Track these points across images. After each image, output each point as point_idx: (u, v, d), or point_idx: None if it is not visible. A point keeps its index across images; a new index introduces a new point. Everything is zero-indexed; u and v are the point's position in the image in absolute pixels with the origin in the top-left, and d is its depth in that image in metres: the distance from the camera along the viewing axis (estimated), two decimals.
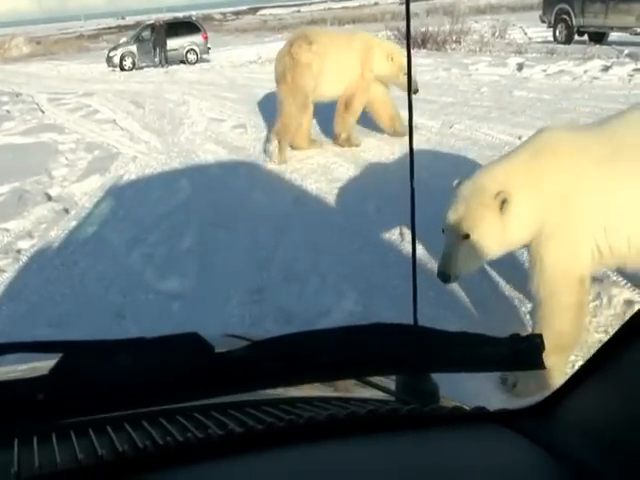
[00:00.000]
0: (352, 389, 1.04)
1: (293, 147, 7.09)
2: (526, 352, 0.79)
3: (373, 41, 7.38)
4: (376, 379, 1.03)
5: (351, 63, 6.94)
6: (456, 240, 2.48)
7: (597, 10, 14.74)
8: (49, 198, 6.34)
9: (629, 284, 3.45)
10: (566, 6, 15.34)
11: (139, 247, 4.84)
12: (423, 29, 17.56)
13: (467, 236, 2.47)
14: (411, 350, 0.80)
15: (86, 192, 6.43)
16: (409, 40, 1.61)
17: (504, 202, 2.43)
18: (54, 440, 0.74)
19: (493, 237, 2.46)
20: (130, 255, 4.71)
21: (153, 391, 0.68)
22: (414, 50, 16.99)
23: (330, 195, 5.64)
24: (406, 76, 1.52)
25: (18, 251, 4.96)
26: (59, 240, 5.17)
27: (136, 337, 0.69)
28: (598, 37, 15.07)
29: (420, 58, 15.13)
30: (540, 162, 2.49)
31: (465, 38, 17.35)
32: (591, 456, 0.68)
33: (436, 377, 0.94)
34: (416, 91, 6.85)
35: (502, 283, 3.66)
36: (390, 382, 0.99)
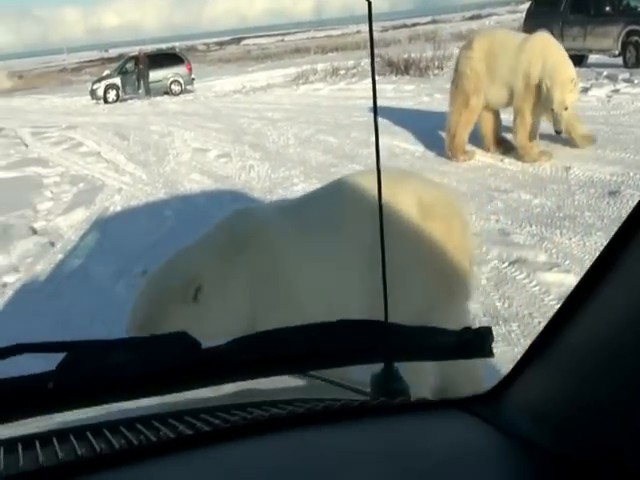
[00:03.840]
0: (327, 390, 1.12)
1: (448, 156, 7.01)
2: (476, 342, 0.90)
3: (549, 45, 6.71)
4: (350, 381, 1.14)
5: (515, 68, 6.54)
6: None
7: (576, 34, 15.08)
8: (34, 232, 6.31)
9: None
10: (545, 31, 15.67)
11: (125, 278, 4.81)
12: (405, 55, 17.82)
13: None
14: (375, 342, 0.90)
15: (72, 225, 6.41)
16: (373, 61, 1.62)
17: (198, 290, 2.20)
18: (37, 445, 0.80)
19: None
20: (115, 287, 4.69)
21: (146, 383, 0.78)
22: (397, 77, 17.23)
23: None
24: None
25: (4, 285, 4.92)
26: (45, 273, 5.14)
27: (131, 337, 0.79)
28: (577, 60, 15.39)
29: (403, 84, 15.35)
30: (236, 245, 2.31)
31: (447, 64, 17.61)
32: (538, 435, 0.74)
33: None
34: (559, 131, 6.43)
35: None
36: (365, 385, 1.06)
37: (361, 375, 1.12)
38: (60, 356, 0.77)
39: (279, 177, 7.43)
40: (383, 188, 2.25)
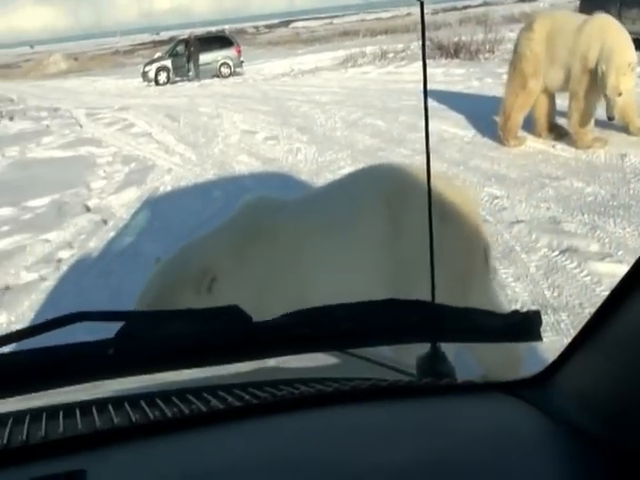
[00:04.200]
0: (372, 370, 1.13)
1: (499, 139, 6.90)
2: (524, 325, 0.90)
3: (609, 27, 6.45)
4: (396, 362, 1.14)
5: (573, 51, 6.34)
6: None
7: (635, 16, 14.51)
8: (88, 209, 6.49)
9: None
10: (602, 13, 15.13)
11: None
12: (456, 39, 17.49)
13: None
14: (423, 322, 0.91)
15: (123, 204, 6.56)
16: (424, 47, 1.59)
17: (212, 281, 2.16)
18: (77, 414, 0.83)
19: None
20: None
21: (199, 354, 0.79)
22: (447, 60, 16.94)
23: None
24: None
25: (59, 260, 5.10)
26: (97, 250, 5.29)
27: (186, 308, 0.83)
28: (637, 44, 14.83)
29: (453, 68, 15.10)
30: (251, 237, 2.27)
31: (499, 47, 17.22)
32: (586, 421, 0.74)
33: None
34: (611, 118, 6.21)
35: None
36: (409, 367, 1.07)
37: (406, 357, 1.13)
38: (116, 327, 0.80)
39: (326, 160, 7.44)
40: (402, 184, 2.18)
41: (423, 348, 0.99)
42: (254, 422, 0.79)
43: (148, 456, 0.74)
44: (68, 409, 0.85)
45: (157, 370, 0.83)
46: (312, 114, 10.99)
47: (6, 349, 0.78)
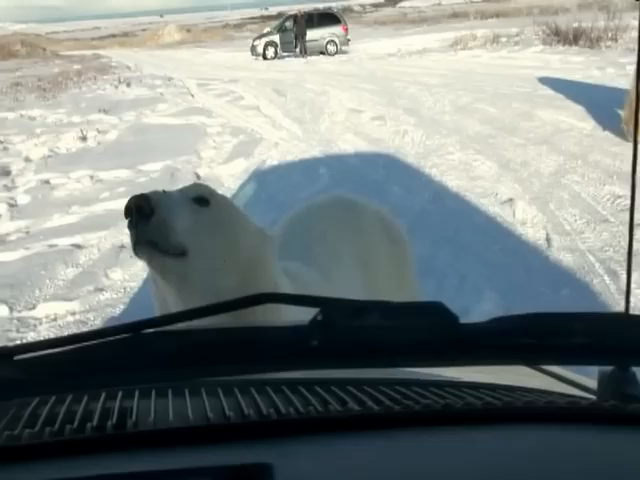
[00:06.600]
0: (544, 380, 1.00)
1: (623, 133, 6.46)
2: None
3: None
4: (571, 375, 0.99)
5: None
6: None
7: None
8: (198, 177, 6.72)
9: None
10: None
11: None
12: (575, 25, 16.63)
13: None
14: (617, 341, 0.76)
15: (232, 174, 6.75)
16: None
17: None
18: (187, 395, 0.75)
19: None
20: None
21: (398, 351, 0.72)
22: (564, 47, 16.16)
23: (470, 193, 5.51)
24: None
25: None
26: None
27: (384, 300, 0.74)
28: None
29: (571, 55, 14.38)
30: None
31: (622, 35, 16.21)
32: None
33: None
34: None
35: None
36: (589, 380, 0.93)
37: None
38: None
39: (434, 144, 7.31)
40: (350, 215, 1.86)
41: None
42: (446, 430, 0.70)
43: (337, 454, 0.65)
44: (243, 386, 0.78)
45: (353, 365, 0.76)
46: (419, 96, 10.82)
47: (181, 326, 0.73)
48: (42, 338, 3.38)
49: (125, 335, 0.70)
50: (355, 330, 0.71)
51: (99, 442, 0.63)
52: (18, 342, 3.39)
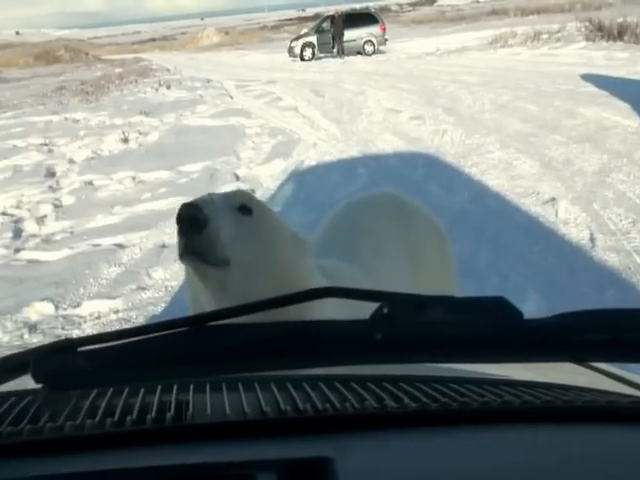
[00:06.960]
0: (595, 378, 0.98)
1: None
2: None
3: None
4: (621, 373, 0.98)
5: None
6: None
7: None
8: (237, 178, 6.79)
9: None
10: None
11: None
12: (620, 20, 16.23)
13: None
14: None
15: (270, 174, 6.79)
16: None
17: None
18: (224, 391, 0.75)
19: None
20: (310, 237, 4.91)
21: (462, 347, 0.70)
22: (608, 42, 15.79)
23: (511, 193, 5.42)
24: None
25: None
26: None
27: (447, 295, 0.74)
28: None
29: (615, 51, 14.03)
30: None
31: None
32: None
33: None
34: None
35: None
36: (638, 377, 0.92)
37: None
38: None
39: (473, 143, 7.22)
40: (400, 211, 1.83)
41: None
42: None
43: (393, 450, 0.64)
44: (295, 381, 0.78)
45: (416, 360, 0.75)
46: (458, 95, 10.70)
47: (237, 320, 0.73)
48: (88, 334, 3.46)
49: (188, 328, 0.70)
50: (418, 325, 0.70)
51: (159, 433, 0.64)
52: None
